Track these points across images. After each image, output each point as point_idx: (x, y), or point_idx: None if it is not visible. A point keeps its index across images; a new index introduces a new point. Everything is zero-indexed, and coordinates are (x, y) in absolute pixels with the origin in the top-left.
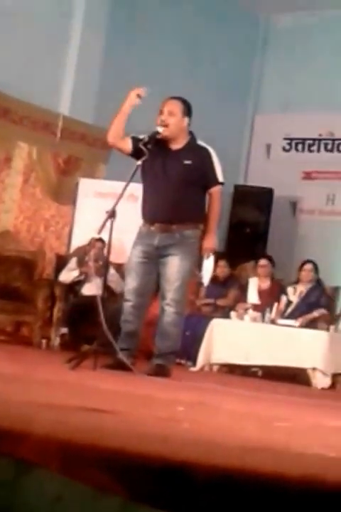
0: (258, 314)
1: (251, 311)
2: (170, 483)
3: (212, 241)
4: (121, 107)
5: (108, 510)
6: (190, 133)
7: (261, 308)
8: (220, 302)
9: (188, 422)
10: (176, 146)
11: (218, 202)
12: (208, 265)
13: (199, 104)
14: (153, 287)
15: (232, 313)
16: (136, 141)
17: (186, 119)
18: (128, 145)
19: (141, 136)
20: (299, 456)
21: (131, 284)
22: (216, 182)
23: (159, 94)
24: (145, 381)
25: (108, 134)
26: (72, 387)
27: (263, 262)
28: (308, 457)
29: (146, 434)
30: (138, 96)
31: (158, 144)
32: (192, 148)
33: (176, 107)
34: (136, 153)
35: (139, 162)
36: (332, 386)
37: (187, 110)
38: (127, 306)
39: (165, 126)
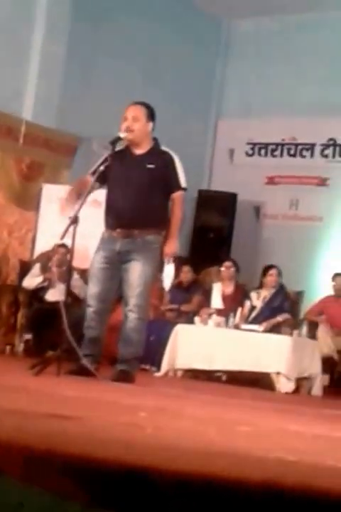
0: (222, 319)
1: (214, 316)
2: (133, 488)
3: (174, 246)
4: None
5: None
6: (154, 139)
7: (224, 313)
8: (184, 308)
9: (151, 428)
10: (140, 151)
11: (180, 207)
12: (169, 270)
13: (162, 109)
14: (115, 293)
15: (196, 319)
16: (95, 172)
17: (150, 124)
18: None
19: (98, 163)
20: (261, 460)
21: (92, 289)
22: (178, 187)
23: (121, 100)
24: (108, 387)
25: None
26: (35, 393)
27: (227, 263)
28: (270, 461)
29: (109, 440)
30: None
31: (122, 150)
32: (156, 153)
33: (140, 111)
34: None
35: (102, 167)
36: (296, 390)
37: (151, 115)
38: (89, 311)
39: (131, 132)
